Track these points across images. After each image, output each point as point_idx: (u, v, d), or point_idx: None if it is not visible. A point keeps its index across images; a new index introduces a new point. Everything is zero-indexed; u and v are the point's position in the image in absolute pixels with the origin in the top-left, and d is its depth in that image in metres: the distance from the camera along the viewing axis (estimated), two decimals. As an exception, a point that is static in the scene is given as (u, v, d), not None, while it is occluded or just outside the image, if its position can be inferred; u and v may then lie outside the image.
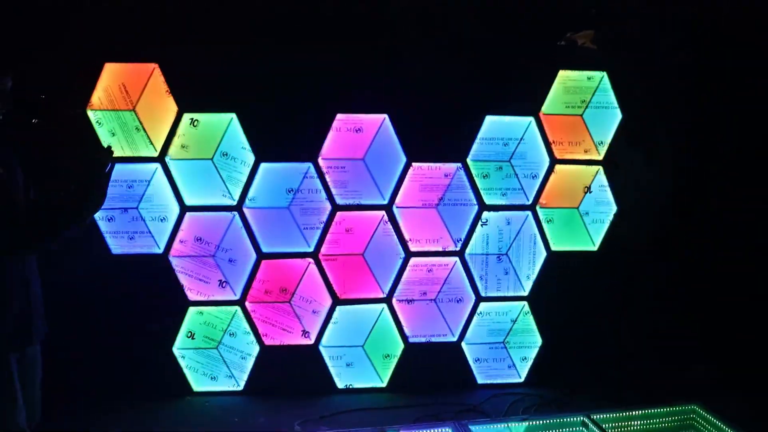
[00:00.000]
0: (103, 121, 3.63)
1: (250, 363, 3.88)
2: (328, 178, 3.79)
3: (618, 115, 3.95)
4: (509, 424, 3.43)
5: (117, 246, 3.71)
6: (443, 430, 3.30)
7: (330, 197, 3.81)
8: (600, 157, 3.97)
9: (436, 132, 3.85)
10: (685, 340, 3.99)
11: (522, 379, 4.09)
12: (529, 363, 4.09)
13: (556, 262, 4.01)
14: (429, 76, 3.78)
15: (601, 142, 3.96)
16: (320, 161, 3.78)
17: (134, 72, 3.64)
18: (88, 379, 3.69)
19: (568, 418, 3.42)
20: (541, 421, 3.44)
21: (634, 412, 3.48)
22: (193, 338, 3.84)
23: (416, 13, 3.75)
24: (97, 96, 3.61)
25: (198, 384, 3.86)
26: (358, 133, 3.81)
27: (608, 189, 3.98)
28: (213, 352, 3.87)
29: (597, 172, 3.97)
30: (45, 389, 3.36)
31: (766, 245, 4.01)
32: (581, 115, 3.94)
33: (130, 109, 3.65)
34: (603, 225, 4.02)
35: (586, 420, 3.38)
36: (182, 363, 3.84)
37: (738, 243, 3.99)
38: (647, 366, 3.97)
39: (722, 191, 4.00)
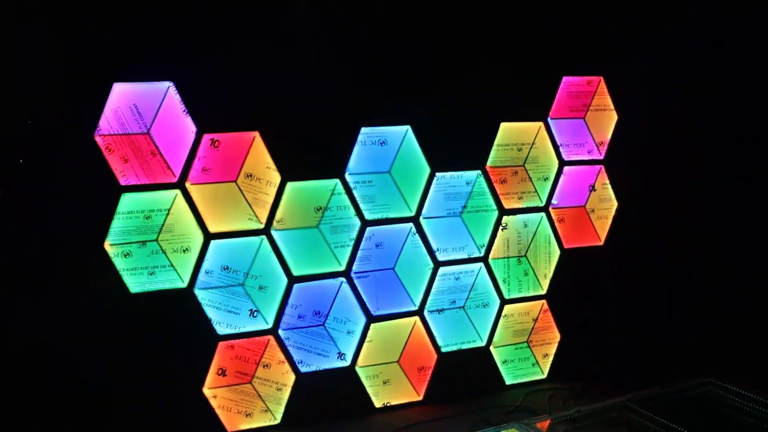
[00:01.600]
0: (113, 146, 3.28)
1: (286, 394, 3.66)
2: (355, 193, 3.71)
3: (614, 117, 4.22)
4: (563, 416, 3.58)
5: (136, 284, 3.35)
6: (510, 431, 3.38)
7: (359, 213, 3.72)
8: (601, 157, 4.22)
9: (456, 141, 3.87)
10: (688, 323, 4.34)
11: (545, 376, 4.22)
12: (551, 359, 4.24)
13: (568, 259, 4.20)
14: (446, 86, 3.78)
15: (602, 143, 4.22)
16: (347, 176, 3.68)
17: (146, 92, 3.33)
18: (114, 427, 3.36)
19: (611, 404, 3.66)
20: (588, 411, 3.63)
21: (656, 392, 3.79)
22: (224, 375, 3.56)
23: (429, 29, 3.77)
24: (106, 119, 3.26)
25: (231, 424, 3.60)
26: (383, 145, 3.76)
27: (610, 186, 4.25)
28: (246, 387, 3.61)
29: (599, 171, 4.21)
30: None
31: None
32: (583, 119, 4.18)
33: (144, 132, 3.34)
34: (606, 221, 4.27)
35: (628, 404, 3.62)
36: (214, 403, 3.55)
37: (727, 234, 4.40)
38: (658, 349, 4.25)
39: (718, 184, 4.37)
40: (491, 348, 4.08)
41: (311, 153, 3.59)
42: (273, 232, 3.54)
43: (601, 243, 4.24)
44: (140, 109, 3.29)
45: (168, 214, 3.38)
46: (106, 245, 3.27)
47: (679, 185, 4.30)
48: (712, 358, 4.07)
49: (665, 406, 3.58)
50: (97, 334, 3.30)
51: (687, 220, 4.32)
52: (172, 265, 3.40)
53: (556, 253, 4.15)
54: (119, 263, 3.30)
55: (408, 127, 3.75)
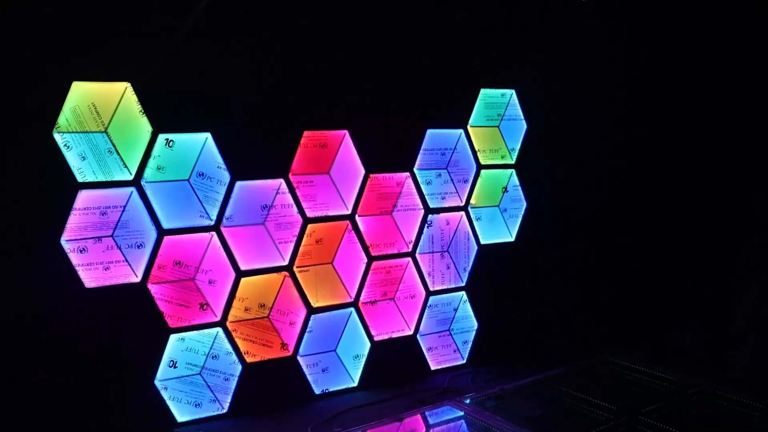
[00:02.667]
0: (71, 144, 3.33)
1: (233, 384, 3.83)
2: (298, 192, 3.95)
3: (524, 126, 4.73)
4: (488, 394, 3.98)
5: (91, 279, 3.42)
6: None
7: (301, 211, 3.96)
8: (513, 162, 4.70)
9: (389, 145, 4.22)
10: (592, 306, 4.93)
11: (465, 361, 4.65)
12: (470, 345, 4.66)
13: (484, 253, 4.65)
14: (380, 95, 4.14)
15: (513, 149, 4.69)
16: (291, 177, 3.91)
17: (105, 91, 3.42)
18: (69, 418, 3.40)
19: (528, 381, 4.10)
20: (509, 389, 4.02)
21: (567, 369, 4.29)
22: (175, 367, 3.67)
23: (366, 44, 4.09)
24: (65, 117, 3.32)
25: (182, 414, 3.71)
26: (323, 148, 4.02)
27: (520, 188, 4.73)
28: (196, 378, 3.74)
29: (511, 174, 4.69)
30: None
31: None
32: (498, 126, 4.63)
33: (102, 131, 3.42)
34: (517, 219, 4.76)
35: (542, 380, 4.07)
36: (165, 395, 3.66)
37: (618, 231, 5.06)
38: (562, 332, 4.78)
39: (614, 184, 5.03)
40: (417, 336, 4.45)
41: (258, 154, 3.80)
42: (222, 228, 3.71)
43: (512, 239, 4.75)
44: (98, 108, 3.42)
45: (124, 210, 3.48)
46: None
47: (580, 187, 4.90)
48: (609, 338, 4.68)
49: (575, 381, 4.11)
50: (55, 327, 3.35)
51: (586, 217, 4.92)
52: (126, 260, 3.50)
53: (474, 248, 4.61)
54: (74, 258, 3.36)
55: (346, 132, 4.05)
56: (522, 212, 4.76)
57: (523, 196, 4.75)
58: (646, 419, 3.63)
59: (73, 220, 3.37)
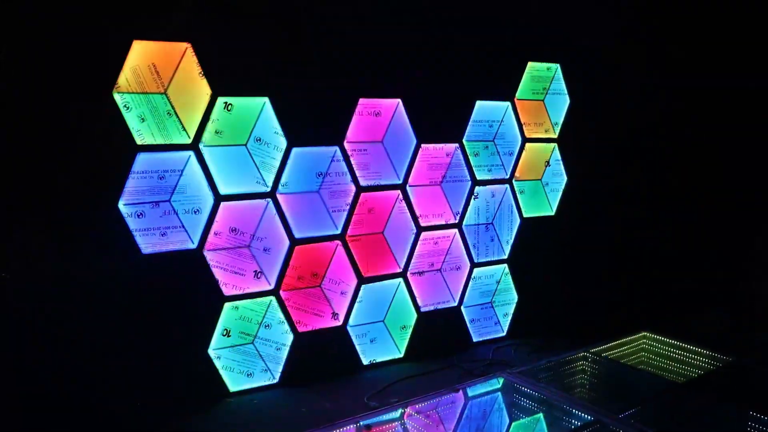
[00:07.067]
0: (131, 105, 3.22)
1: (284, 353, 3.78)
2: (352, 160, 3.88)
3: (567, 100, 4.69)
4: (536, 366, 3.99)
5: (148, 245, 3.33)
6: (498, 380, 3.74)
7: (354, 179, 3.90)
8: (556, 136, 4.68)
9: (439, 115, 4.16)
10: (623, 285, 4.94)
11: (505, 333, 4.65)
12: (509, 318, 4.66)
13: (526, 227, 4.63)
14: (433, 65, 4.08)
15: (557, 123, 4.67)
16: (346, 145, 3.84)
17: (165, 51, 3.31)
18: (121, 385, 3.33)
19: (573, 355, 4.12)
20: (555, 361, 4.06)
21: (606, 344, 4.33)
22: (228, 336, 3.61)
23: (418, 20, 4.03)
24: (125, 77, 3.20)
25: (234, 384, 3.65)
26: (377, 116, 3.95)
27: (561, 163, 4.71)
28: (249, 348, 3.68)
29: (553, 148, 4.67)
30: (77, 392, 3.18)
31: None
32: (543, 100, 4.60)
33: (162, 92, 3.30)
34: (558, 193, 4.74)
35: (586, 354, 4.10)
36: (218, 364, 3.59)
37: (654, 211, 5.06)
38: (599, 307, 4.80)
39: (658, 165, 5.01)
40: (461, 308, 4.44)
41: (314, 121, 3.73)
42: (278, 195, 3.64)
43: (553, 213, 4.75)
44: (158, 68, 3.30)
45: (182, 175, 3.39)
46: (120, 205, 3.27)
47: (619, 163, 4.90)
48: (642, 315, 4.72)
49: (614, 355, 4.15)
50: (112, 292, 3.26)
51: (625, 194, 4.93)
52: (183, 226, 3.41)
53: (517, 221, 4.59)
54: (132, 223, 3.27)
55: (399, 100, 3.99)
56: (562, 187, 4.76)
57: (564, 171, 4.75)
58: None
59: (132, 184, 3.27)
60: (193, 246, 3.47)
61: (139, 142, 3.26)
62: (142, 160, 3.28)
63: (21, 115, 3.05)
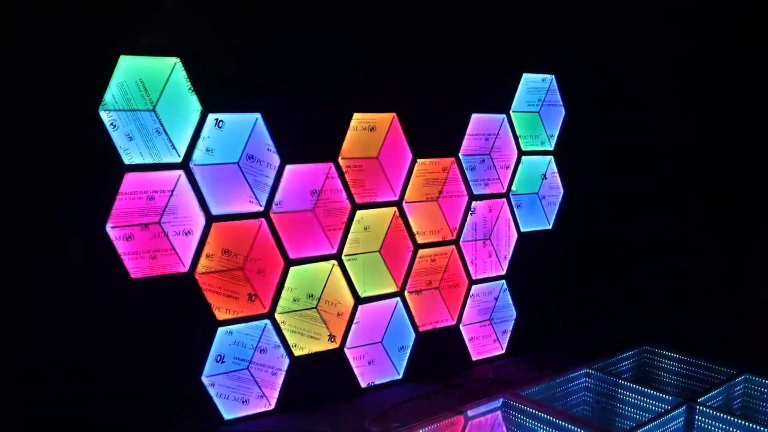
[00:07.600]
0: (118, 123, 3.07)
1: (280, 378, 3.64)
2: (347, 177, 3.75)
3: (563, 112, 4.62)
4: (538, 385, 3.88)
5: (137, 269, 3.17)
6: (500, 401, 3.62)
7: (350, 196, 3.77)
8: (551, 148, 4.60)
9: (435, 129, 4.06)
10: (622, 299, 4.86)
11: (504, 351, 4.54)
12: (509, 335, 4.55)
13: (523, 241, 4.53)
14: (427, 79, 3.99)
15: (552, 135, 4.59)
16: (340, 161, 3.72)
17: (153, 67, 3.16)
18: (110, 416, 3.18)
19: (575, 372, 4.01)
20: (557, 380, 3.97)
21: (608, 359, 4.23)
22: (222, 362, 3.46)
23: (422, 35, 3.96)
24: (111, 93, 3.06)
25: (229, 412, 3.50)
26: (372, 131, 3.83)
27: (558, 175, 4.63)
28: (244, 374, 3.53)
29: (550, 161, 4.59)
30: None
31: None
32: (538, 112, 4.52)
33: (150, 109, 3.16)
34: (555, 207, 4.66)
35: (588, 371, 4.00)
36: (212, 392, 3.44)
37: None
38: (600, 322, 4.72)
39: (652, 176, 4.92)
40: (460, 326, 4.33)
41: (308, 137, 3.60)
42: (272, 215, 3.51)
43: (550, 227, 4.66)
44: (146, 85, 3.16)
45: (172, 195, 3.24)
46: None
47: (619, 175, 4.84)
48: (643, 327, 4.63)
49: (617, 370, 4.05)
50: (99, 318, 3.12)
51: (622, 205, 4.87)
52: (174, 249, 3.27)
53: (514, 236, 4.50)
54: (120, 247, 3.11)
55: (394, 114, 3.87)
56: (559, 200, 4.68)
57: (560, 184, 4.67)
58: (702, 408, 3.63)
59: (120, 206, 3.12)
60: (185, 269, 3.32)
61: (126, 161, 3.11)
62: (130, 180, 3.13)
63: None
